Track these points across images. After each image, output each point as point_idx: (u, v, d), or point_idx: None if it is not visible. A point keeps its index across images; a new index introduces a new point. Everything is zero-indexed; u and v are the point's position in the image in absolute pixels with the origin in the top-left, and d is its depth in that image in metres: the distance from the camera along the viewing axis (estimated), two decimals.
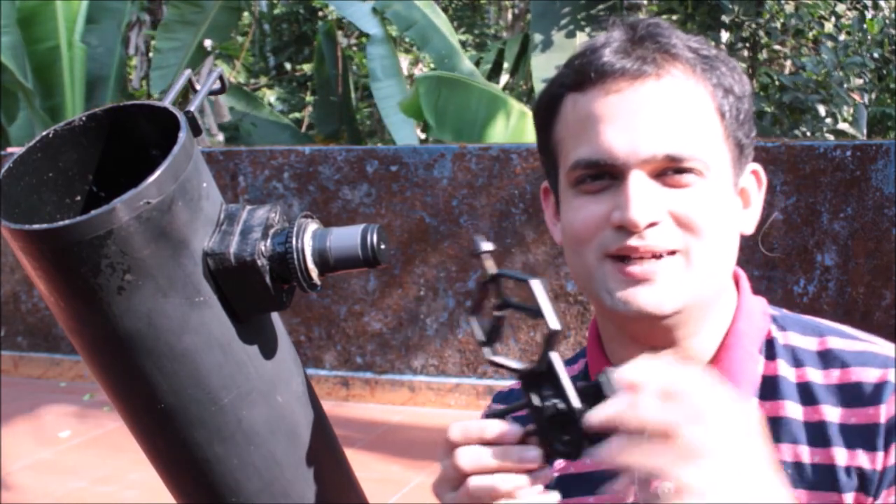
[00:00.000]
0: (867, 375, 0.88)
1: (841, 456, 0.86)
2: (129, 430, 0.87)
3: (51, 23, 8.18)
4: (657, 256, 0.86)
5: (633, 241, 0.85)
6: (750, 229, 0.94)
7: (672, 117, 0.86)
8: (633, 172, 0.85)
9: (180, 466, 0.88)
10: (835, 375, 0.89)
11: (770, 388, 0.91)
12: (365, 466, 4.17)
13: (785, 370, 0.92)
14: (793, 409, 0.90)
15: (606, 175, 0.87)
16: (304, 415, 0.91)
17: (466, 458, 0.74)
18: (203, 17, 8.66)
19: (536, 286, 0.71)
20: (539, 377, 0.73)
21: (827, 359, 0.91)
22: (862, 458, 0.85)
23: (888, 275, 4.54)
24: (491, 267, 0.75)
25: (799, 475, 0.87)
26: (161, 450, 0.87)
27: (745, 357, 0.92)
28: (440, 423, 5.05)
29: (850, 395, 0.88)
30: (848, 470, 0.86)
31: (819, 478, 0.86)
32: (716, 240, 0.88)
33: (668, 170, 0.86)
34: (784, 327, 0.95)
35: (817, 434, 0.88)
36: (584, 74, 0.89)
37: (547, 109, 0.93)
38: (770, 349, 0.94)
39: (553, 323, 0.71)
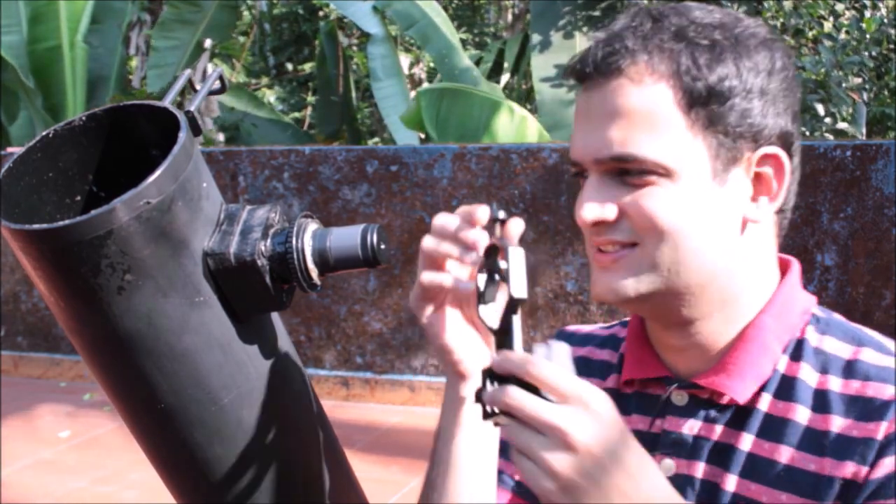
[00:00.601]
0: (883, 392, 0.86)
1: (831, 465, 0.85)
2: (129, 430, 0.87)
3: (53, 22, 8.19)
4: (622, 247, 0.89)
5: (595, 236, 0.90)
6: (761, 217, 0.91)
7: (621, 119, 0.86)
8: (590, 173, 0.89)
9: (180, 466, 0.88)
10: (854, 387, 0.88)
11: (786, 389, 0.90)
12: (365, 466, 4.17)
13: (807, 374, 0.90)
14: (802, 414, 0.89)
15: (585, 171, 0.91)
16: (304, 415, 0.91)
17: (426, 242, 0.87)
18: (201, 16, 8.65)
19: (513, 253, 0.76)
20: (505, 336, 0.77)
21: (852, 369, 0.89)
22: (849, 469, 0.84)
23: (888, 275, 4.54)
24: (497, 232, 0.82)
25: (790, 479, 0.87)
26: (161, 450, 0.87)
27: (760, 351, 0.91)
28: None
29: (861, 408, 0.86)
30: (832, 479, 0.85)
31: (808, 484, 0.86)
32: (683, 236, 0.87)
33: (625, 170, 0.87)
34: (825, 331, 0.93)
35: (818, 442, 0.87)
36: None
37: None
38: (797, 350, 0.92)
39: (516, 291, 0.75)
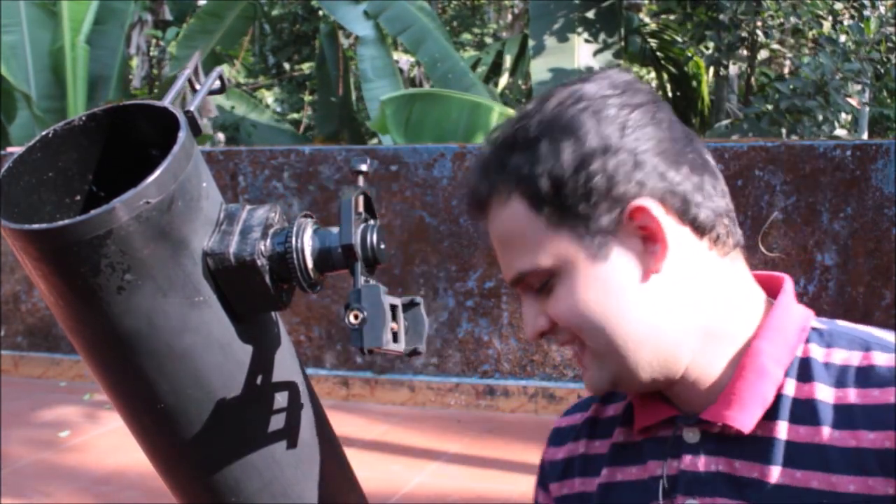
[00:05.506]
0: None
1: (856, 483, 0.83)
2: (129, 430, 0.87)
3: (56, 23, 8.21)
4: (579, 345, 0.93)
5: (556, 344, 0.97)
6: (658, 268, 0.88)
7: (501, 244, 0.93)
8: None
9: (180, 466, 0.88)
10: (873, 395, 0.85)
11: (804, 413, 0.88)
12: (365, 466, 4.17)
13: (822, 393, 0.88)
14: (826, 434, 0.86)
15: None
16: (304, 415, 0.91)
17: None
18: (221, 26, 8.89)
19: (343, 205, 0.84)
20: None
21: (868, 376, 0.87)
22: (875, 479, 0.82)
23: (888, 275, 4.54)
24: (361, 182, 0.89)
25: (819, 499, 0.84)
26: (161, 450, 0.87)
27: (758, 377, 0.89)
28: (440, 423, 5.05)
29: (886, 416, 0.84)
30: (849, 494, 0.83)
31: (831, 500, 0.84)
32: (606, 322, 0.88)
33: (534, 283, 0.91)
34: (830, 343, 0.91)
35: (847, 460, 0.84)
36: None
37: None
38: (805, 370, 0.89)
39: (343, 239, 0.83)
